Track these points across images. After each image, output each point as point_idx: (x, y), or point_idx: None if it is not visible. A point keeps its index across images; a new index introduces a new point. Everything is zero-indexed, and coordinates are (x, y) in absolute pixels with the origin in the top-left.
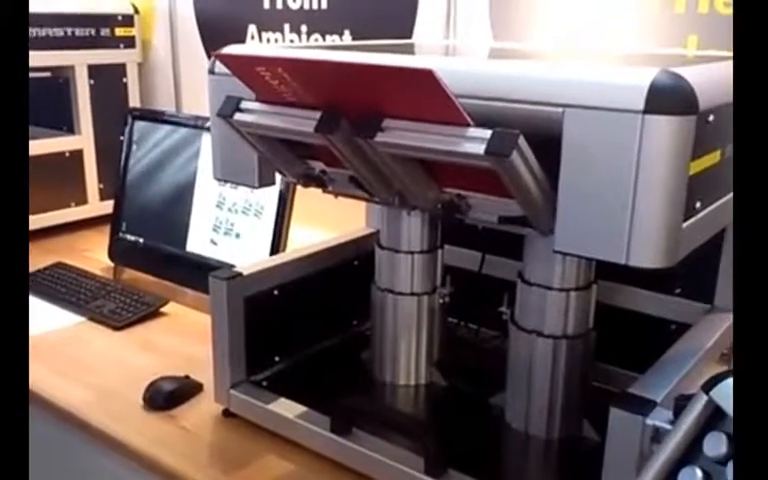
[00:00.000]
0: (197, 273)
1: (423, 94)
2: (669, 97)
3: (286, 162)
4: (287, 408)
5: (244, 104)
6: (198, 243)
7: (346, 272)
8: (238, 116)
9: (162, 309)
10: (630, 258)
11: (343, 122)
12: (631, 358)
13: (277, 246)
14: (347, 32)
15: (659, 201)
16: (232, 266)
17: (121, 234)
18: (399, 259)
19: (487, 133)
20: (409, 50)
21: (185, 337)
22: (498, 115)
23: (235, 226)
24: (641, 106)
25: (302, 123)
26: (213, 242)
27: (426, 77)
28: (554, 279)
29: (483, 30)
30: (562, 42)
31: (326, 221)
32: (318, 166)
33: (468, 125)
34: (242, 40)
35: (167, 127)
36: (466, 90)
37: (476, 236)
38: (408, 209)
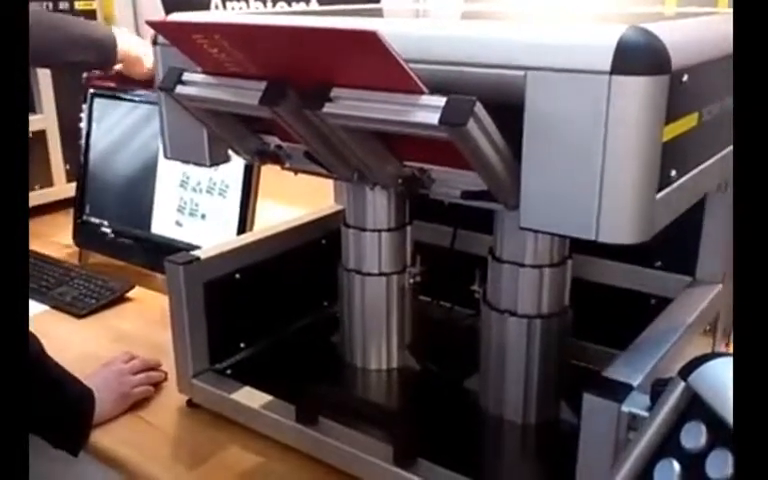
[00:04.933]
0: (163, 256)
1: (370, 60)
2: (638, 56)
3: (237, 138)
4: (251, 397)
5: (186, 76)
6: (163, 225)
7: (313, 252)
8: (180, 89)
9: (128, 294)
10: (600, 234)
11: (290, 93)
12: (610, 335)
13: (243, 226)
14: None
15: (630, 170)
16: (197, 248)
17: (85, 217)
18: (365, 238)
19: (441, 101)
20: (376, 15)
21: (152, 324)
22: (455, 81)
23: (200, 206)
24: (608, 66)
25: (247, 95)
26: (178, 223)
27: (370, 40)
28: (526, 255)
29: None
30: (535, 2)
31: (302, 197)
32: (273, 141)
33: (421, 92)
34: (206, 10)
35: (128, 104)
36: (420, 55)
37: (447, 210)
38: (370, 185)
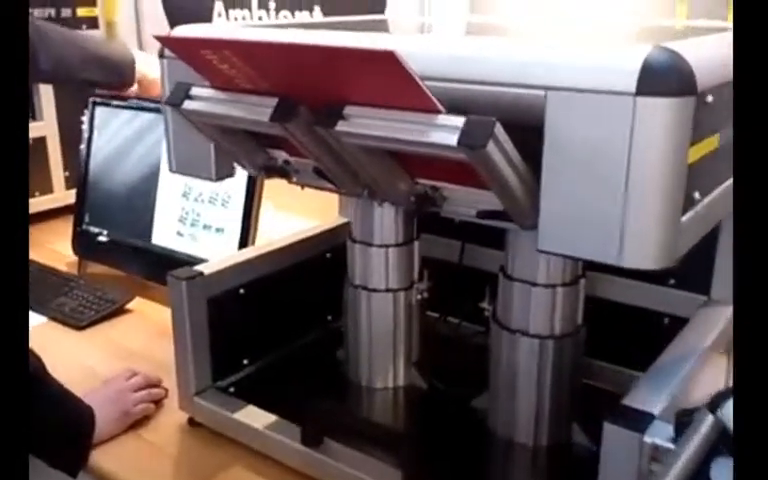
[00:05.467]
0: (163, 267)
1: (387, 78)
2: (665, 77)
3: (245, 153)
4: (255, 417)
5: (195, 91)
6: (164, 235)
7: (318, 266)
8: (188, 104)
9: (128, 306)
10: (624, 259)
11: (301, 110)
12: (622, 353)
13: (246, 238)
14: (317, 8)
15: (655, 194)
16: (199, 260)
17: (84, 226)
18: (372, 253)
19: (459, 121)
20: (381, 27)
21: (152, 337)
22: (473, 100)
23: (202, 217)
24: (633, 87)
25: (257, 112)
26: (180, 234)
27: (388, 59)
28: (539, 274)
29: (460, 4)
30: (542, 14)
31: (306, 207)
32: (281, 156)
33: (438, 112)
34: (209, 19)
35: (129, 112)
36: (437, 72)
37: (455, 224)
38: (379, 201)
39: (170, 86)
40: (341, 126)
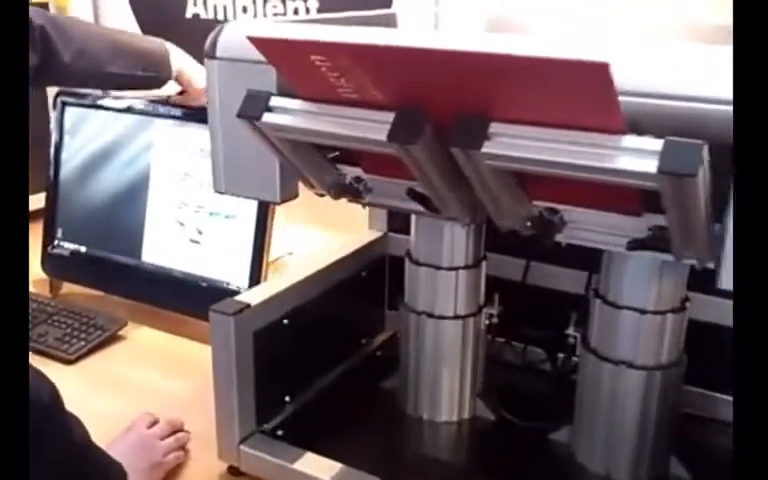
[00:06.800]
0: (158, 288)
1: (575, 93)
2: None
3: (315, 170)
4: (318, 466)
5: (275, 102)
6: (157, 252)
7: (354, 287)
8: (268, 118)
9: (120, 332)
10: None
11: (427, 127)
12: (719, 379)
13: (260, 255)
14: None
15: None
16: (199, 279)
17: (57, 242)
18: (440, 277)
19: (656, 144)
20: (392, 23)
21: (154, 368)
22: (644, 116)
23: (203, 231)
24: None
25: (368, 128)
26: (176, 250)
27: (598, 72)
28: (649, 301)
29: None
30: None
31: (317, 217)
32: (352, 173)
33: (623, 132)
34: (181, 7)
35: (107, 114)
36: None
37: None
38: (466, 223)
39: (222, 93)
40: (488, 147)
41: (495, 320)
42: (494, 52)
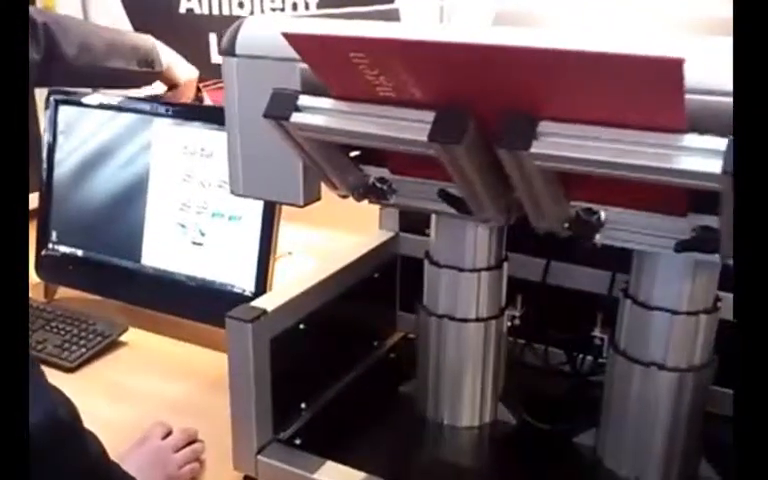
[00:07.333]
0: (160, 291)
1: (639, 89)
2: None
3: (342, 171)
4: (339, 475)
5: (304, 101)
6: (157, 255)
7: (367, 289)
8: (297, 118)
9: (121, 338)
10: None
11: (471, 126)
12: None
13: (266, 258)
14: None
15: None
16: (202, 282)
17: (52, 245)
18: (462, 279)
19: (720, 143)
20: (394, 17)
21: (158, 375)
22: (708, 114)
23: (205, 233)
24: None
25: (406, 128)
26: (178, 253)
27: (670, 69)
28: (682, 301)
29: None
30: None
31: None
32: (376, 173)
33: (683, 131)
34: (174, 2)
35: (103, 113)
36: None
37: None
38: (493, 224)
39: (240, 91)
40: (537, 147)
41: (517, 322)
42: (554, 47)
